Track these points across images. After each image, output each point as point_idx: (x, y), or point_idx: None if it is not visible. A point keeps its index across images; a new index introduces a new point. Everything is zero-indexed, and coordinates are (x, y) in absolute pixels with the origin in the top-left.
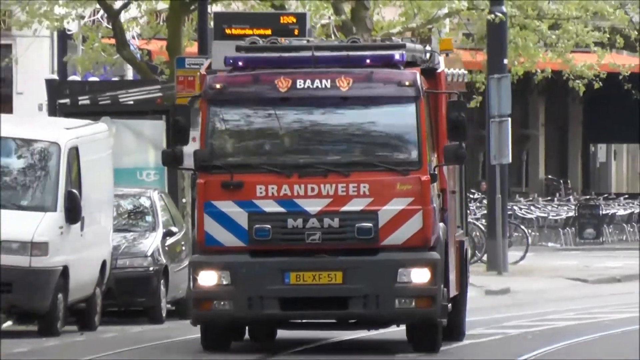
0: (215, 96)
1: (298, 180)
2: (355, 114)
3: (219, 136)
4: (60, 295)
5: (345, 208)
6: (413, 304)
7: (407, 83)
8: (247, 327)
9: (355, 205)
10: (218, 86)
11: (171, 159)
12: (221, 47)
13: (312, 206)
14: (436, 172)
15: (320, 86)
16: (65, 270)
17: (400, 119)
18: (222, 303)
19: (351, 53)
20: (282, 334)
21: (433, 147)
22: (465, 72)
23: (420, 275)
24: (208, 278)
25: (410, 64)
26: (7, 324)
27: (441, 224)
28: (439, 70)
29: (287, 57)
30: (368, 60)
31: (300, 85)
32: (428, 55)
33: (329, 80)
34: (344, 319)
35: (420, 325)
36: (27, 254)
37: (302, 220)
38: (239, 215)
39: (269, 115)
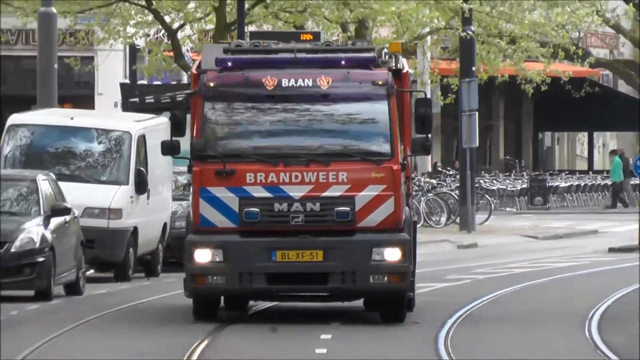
0: (210, 93)
1: (283, 169)
2: (334, 110)
3: (212, 129)
4: (131, 249)
5: (325, 194)
6: (386, 279)
7: (380, 82)
8: (222, 298)
9: (335, 191)
10: (212, 84)
11: (169, 148)
12: (211, 49)
13: (296, 192)
14: (405, 162)
15: (303, 85)
16: (135, 230)
17: (374, 114)
18: (215, 278)
19: (329, 55)
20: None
21: (401, 139)
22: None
23: (392, 254)
24: (203, 256)
25: (380, 65)
26: (90, 272)
27: (406, 208)
28: (404, 71)
29: (272, 59)
30: (343, 62)
31: (285, 83)
32: (393, 58)
33: (310, 80)
34: (324, 292)
35: (388, 299)
36: (106, 218)
37: (287, 204)
38: (231, 200)
39: (257, 110)
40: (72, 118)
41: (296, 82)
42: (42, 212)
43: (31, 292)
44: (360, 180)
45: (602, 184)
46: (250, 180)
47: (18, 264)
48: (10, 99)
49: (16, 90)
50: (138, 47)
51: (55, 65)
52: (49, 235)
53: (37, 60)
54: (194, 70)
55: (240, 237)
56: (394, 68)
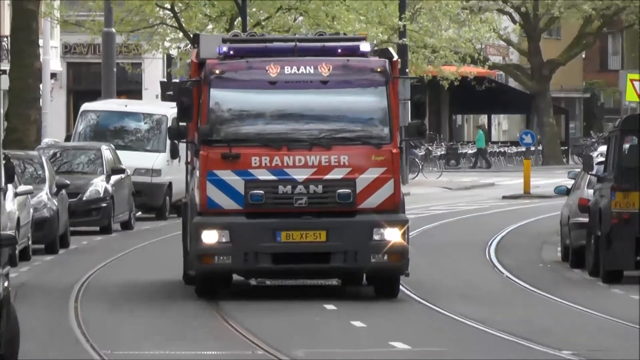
0: (215, 80)
1: (287, 153)
2: (335, 96)
3: (218, 115)
4: (167, 198)
5: (328, 176)
6: (386, 258)
7: (378, 69)
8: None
9: (337, 174)
10: (217, 71)
11: (177, 133)
12: (208, 39)
13: (300, 174)
14: (402, 146)
15: (305, 72)
16: (170, 184)
17: (373, 100)
18: (222, 258)
19: (326, 44)
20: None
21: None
22: None
23: (392, 234)
24: (210, 236)
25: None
26: (138, 214)
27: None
28: (394, 59)
29: (272, 47)
30: (340, 50)
31: (288, 70)
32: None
33: (312, 67)
34: (326, 271)
35: (387, 276)
36: (150, 176)
37: (291, 186)
38: (237, 183)
39: (261, 96)
40: (126, 105)
41: (298, 70)
42: (104, 172)
43: (97, 228)
44: (361, 163)
45: (496, 150)
46: (255, 163)
47: (87, 209)
48: (82, 93)
49: (87, 87)
50: (172, 56)
51: (114, 69)
52: (109, 188)
53: (101, 65)
54: (193, 59)
55: (246, 219)
56: (388, 56)
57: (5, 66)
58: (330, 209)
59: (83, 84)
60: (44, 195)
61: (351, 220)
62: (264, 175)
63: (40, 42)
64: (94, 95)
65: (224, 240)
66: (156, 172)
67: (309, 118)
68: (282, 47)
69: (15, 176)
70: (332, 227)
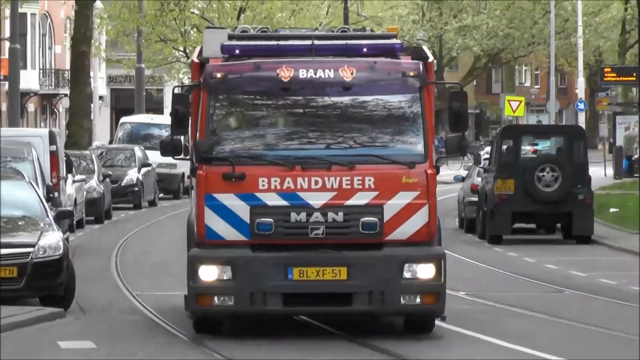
0: (216, 85)
1: (301, 173)
2: (359, 105)
3: (220, 126)
4: (181, 184)
5: (349, 202)
6: (419, 300)
7: (411, 73)
8: None
9: (360, 199)
10: (219, 75)
11: (170, 148)
12: (213, 35)
13: (316, 199)
14: (438, 165)
15: (323, 76)
16: (183, 174)
17: (405, 109)
18: (223, 298)
19: (349, 42)
20: None
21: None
22: None
23: (426, 271)
24: (209, 273)
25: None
26: (160, 195)
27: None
28: (429, 60)
29: (285, 46)
30: (365, 49)
31: (302, 74)
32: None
33: (332, 70)
34: (348, 315)
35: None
36: (169, 168)
37: (305, 214)
38: (241, 209)
39: (270, 105)
40: (152, 118)
41: (315, 73)
42: (137, 166)
43: (131, 205)
44: (390, 186)
45: None
46: (263, 186)
47: (125, 192)
48: (121, 110)
49: (124, 105)
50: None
51: (144, 93)
52: (140, 177)
53: (135, 90)
54: (194, 59)
55: (251, 252)
56: (422, 56)
57: (66, 91)
58: (352, 240)
59: (121, 104)
60: (93, 182)
61: (377, 255)
62: (274, 200)
63: (91, 73)
64: (129, 112)
65: (225, 277)
66: (173, 165)
67: (327, 131)
68: (297, 46)
69: (73, 169)
70: (355, 262)
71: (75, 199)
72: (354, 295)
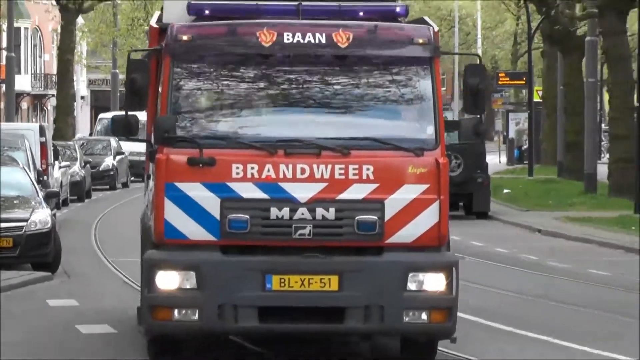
0: (182, 51)
1: (285, 159)
2: (356, 78)
3: (185, 101)
4: None
5: (343, 196)
6: (425, 317)
7: (420, 40)
8: None
9: (356, 193)
10: (185, 38)
11: (123, 127)
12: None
13: (302, 192)
14: (450, 153)
15: (313, 41)
16: None
17: (412, 84)
18: (184, 312)
19: (343, 4)
20: None
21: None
22: None
23: (434, 282)
24: (167, 280)
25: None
26: (132, 179)
27: None
28: (435, 30)
29: (266, 6)
30: (362, 13)
31: (288, 39)
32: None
33: (323, 35)
34: (339, 334)
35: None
36: (138, 156)
37: (289, 209)
38: (210, 202)
39: (248, 76)
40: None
41: (303, 38)
42: (112, 154)
43: (107, 187)
44: (393, 177)
45: None
46: (237, 174)
47: (102, 175)
48: (99, 108)
49: (102, 104)
50: None
51: (118, 94)
52: (115, 163)
53: (110, 92)
54: (152, 24)
55: (221, 255)
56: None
57: (53, 92)
58: (345, 243)
59: (100, 102)
60: (76, 167)
61: (376, 261)
62: (250, 192)
63: (74, 77)
64: (106, 109)
65: (188, 286)
66: (142, 154)
67: (317, 109)
68: (280, 6)
69: (59, 156)
70: (348, 270)
71: (61, 182)
72: (346, 311)
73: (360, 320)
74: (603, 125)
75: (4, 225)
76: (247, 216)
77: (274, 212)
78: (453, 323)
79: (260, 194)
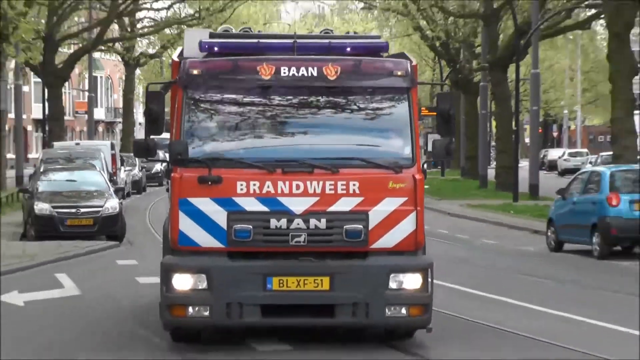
0: (192, 82)
1: (282, 177)
2: (344, 105)
3: (195, 126)
4: None
5: (333, 208)
6: (404, 311)
7: (399, 73)
8: None
9: (344, 205)
10: (195, 72)
11: (143, 149)
12: (194, 35)
13: (298, 205)
14: (425, 169)
15: (306, 74)
16: None
17: (392, 111)
18: (197, 309)
19: (333, 41)
20: None
21: None
22: None
23: (412, 281)
24: (182, 281)
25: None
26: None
27: None
28: (413, 63)
29: (266, 44)
30: (349, 49)
31: (284, 72)
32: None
33: (315, 68)
34: (330, 327)
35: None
36: None
37: (286, 220)
38: (217, 214)
39: (250, 104)
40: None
41: (298, 71)
42: (159, 162)
43: (157, 184)
44: (376, 191)
45: None
46: (241, 190)
47: (153, 176)
48: None
49: None
50: None
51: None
52: (162, 168)
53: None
54: (174, 58)
55: (228, 260)
56: (406, 58)
57: (120, 120)
58: (335, 248)
59: None
60: (136, 170)
61: (362, 264)
62: (253, 206)
63: (134, 110)
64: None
65: (200, 287)
66: None
67: (310, 133)
68: (278, 44)
69: (124, 163)
70: (338, 272)
71: (125, 181)
72: (336, 307)
73: (349, 315)
74: (492, 142)
75: (87, 210)
76: (250, 226)
77: (273, 222)
78: (429, 316)
79: (261, 207)
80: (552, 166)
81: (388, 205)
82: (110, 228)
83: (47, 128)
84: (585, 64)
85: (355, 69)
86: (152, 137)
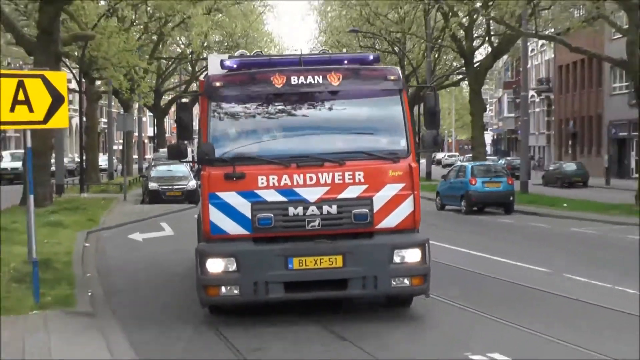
0: (215, 93)
1: (297, 170)
2: (347, 107)
3: (220, 131)
4: None
5: (342, 195)
6: (407, 282)
7: (392, 77)
8: None
9: (352, 192)
10: (218, 84)
11: (176, 152)
12: (216, 59)
13: (311, 194)
14: (418, 159)
15: (313, 81)
16: None
17: (388, 110)
18: (229, 288)
19: (333, 56)
20: None
21: None
22: None
23: (413, 255)
24: (215, 265)
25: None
26: None
27: None
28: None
29: (277, 60)
30: (346, 62)
31: (294, 81)
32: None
33: (320, 76)
34: (343, 298)
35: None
36: None
37: (302, 208)
38: (242, 205)
39: (266, 109)
40: None
41: (306, 79)
42: None
43: None
44: (378, 179)
45: None
46: (262, 183)
47: None
48: None
49: None
50: None
51: None
52: None
53: None
54: (201, 78)
55: (254, 245)
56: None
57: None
58: (345, 230)
59: None
60: (192, 182)
61: (369, 243)
62: (273, 197)
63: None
64: None
65: (230, 269)
66: None
67: (319, 131)
68: (287, 59)
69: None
70: (349, 250)
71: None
72: (349, 281)
73: (360, 287)
74: None
75: (178, 187)
76: (271, 215)
77: (291, 210)
78: (428, 284)
79: (280, 198)
80: (438, 162)
81: (389, 191)
82: (191, 197)
83: (155, 141)
84: (456, 105)
85: (354, 76)
86: (183, 141)
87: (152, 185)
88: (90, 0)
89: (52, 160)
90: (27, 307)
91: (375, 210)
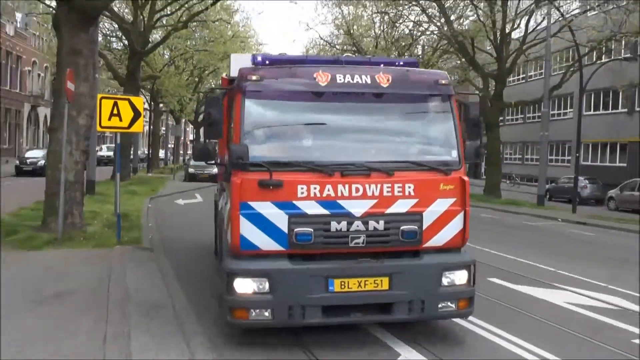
0: (251, 88)
1: (341, 180)
2: (396, 111)
3: (255, 131)
4: None
5: (390, 210)
6: (454, 306)
7: (443, 82)
8: None
9: (401, 207)
10: (255, 77)
11: (203, 153)
12: (238, 58)
13: (357, 208)
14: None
15: (360, 81)
16: None
17: (438, 116)
18: (259, 312)
19: (372, 58)
20: None
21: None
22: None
23: (461, 277)
24: (244, 286)
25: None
26: None
27: None
28: None
29: (314, 59)
30: (382, 64)
31: (340, 79)
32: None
33: (368, 76)
34: (386, 321)
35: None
36: None
37: (346, 222)
38: (278, 217)
39: (307, 110)
40: None
41: (352, 79)
42: None
43: None
44: (429, 193)
45: None
46: (302, 193)
47: None
48: None
49: None
50: None
51: None
52: None
53: None
54: (223, 76)
55: (290, 263)
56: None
57: None
58: (392, 248)
59: None
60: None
61: (418, 264)
62: (314, 209)
63: None
64: None
65: (262, 290)
66: None
67: (365, 137)
68: (324, 59)
69: None
70: (397, 271)
71: None
72: (394, 305)
73: (405, 311)
74: None
75: (206, 171)
76: (311, 229)
77: (333, 225)
78: (472, 307)
79: (322, 210)
80: None
81: (440, 206)
82: (216, 179)
83: (193, 143)
84: None
85: (404, 78)
86: (211, 141)
87: (191, 170)
88: (159, 55)
89: (132, 151)
90: (112, 243)
91: (424, 227)
